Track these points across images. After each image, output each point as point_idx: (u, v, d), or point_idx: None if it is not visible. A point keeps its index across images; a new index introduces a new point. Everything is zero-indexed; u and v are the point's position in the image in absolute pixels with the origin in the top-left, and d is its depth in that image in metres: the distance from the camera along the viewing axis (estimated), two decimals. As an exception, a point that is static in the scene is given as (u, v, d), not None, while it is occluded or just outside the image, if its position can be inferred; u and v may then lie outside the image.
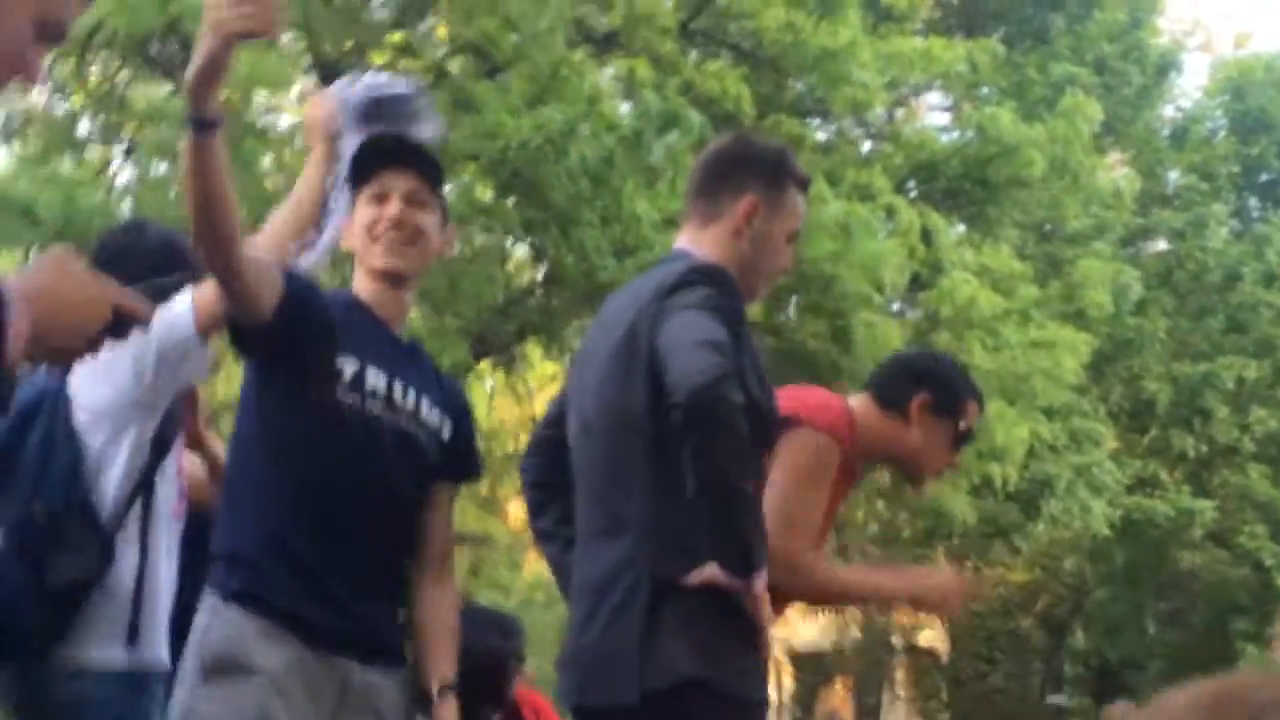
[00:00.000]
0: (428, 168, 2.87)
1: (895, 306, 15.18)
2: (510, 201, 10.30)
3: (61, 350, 1.83)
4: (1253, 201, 21.31)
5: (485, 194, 10.67)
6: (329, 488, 2.68)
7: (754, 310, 13.53)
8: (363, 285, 2.88)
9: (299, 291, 2.67)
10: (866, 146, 15.93)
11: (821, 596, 3.63)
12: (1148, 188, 19.95)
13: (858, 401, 3.34)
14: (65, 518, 3.02)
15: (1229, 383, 19.13)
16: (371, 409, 2.74)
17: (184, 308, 2.94)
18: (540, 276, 11.23)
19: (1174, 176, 20.27)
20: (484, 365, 12.97)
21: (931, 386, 3.34)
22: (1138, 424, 20.31)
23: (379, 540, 2.73)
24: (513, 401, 15.35)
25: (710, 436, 2.42)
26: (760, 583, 2.60)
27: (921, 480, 3.43)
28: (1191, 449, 19.76)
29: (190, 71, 2.39)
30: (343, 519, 2.68)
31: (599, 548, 2.73)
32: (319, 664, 2.61)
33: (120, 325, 1.83)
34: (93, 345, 1.84)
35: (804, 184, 2.95)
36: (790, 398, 3.15)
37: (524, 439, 9.03)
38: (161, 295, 2.88)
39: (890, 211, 13.72)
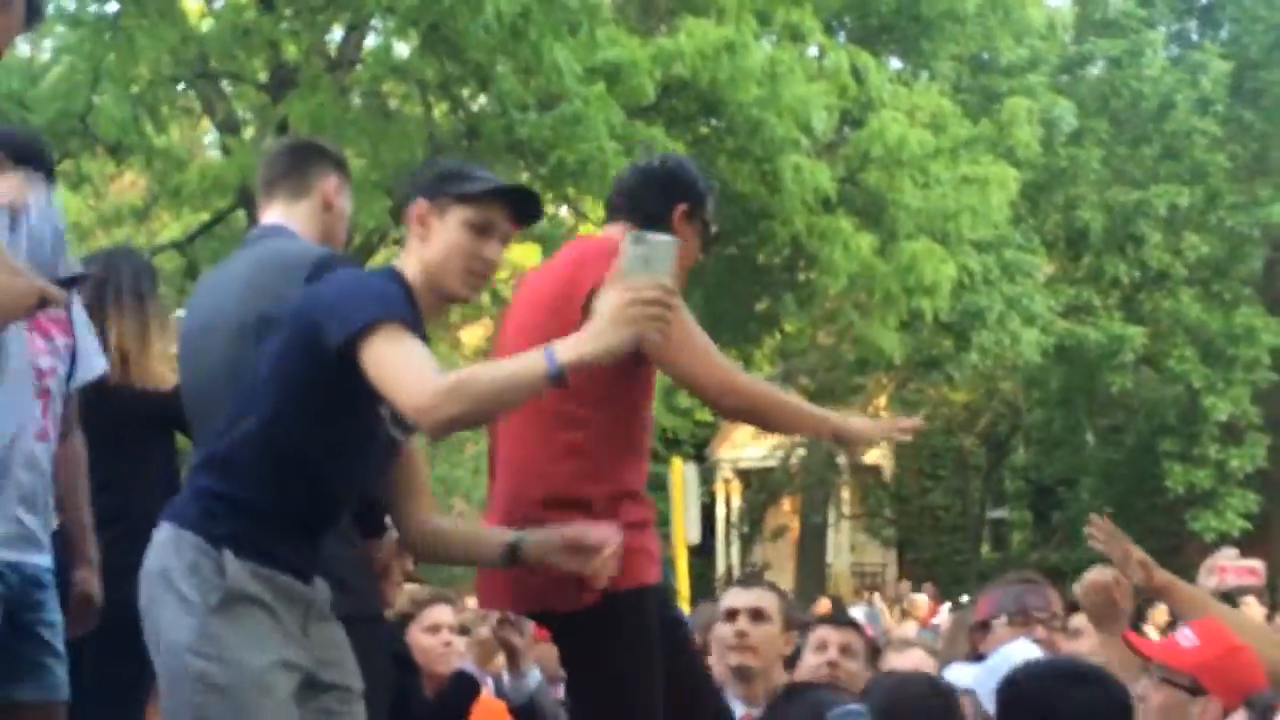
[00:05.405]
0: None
1: (827, 142, 15.21)
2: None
3: None
4: (1191, 24, 21.25)
5: (401, 50, 10.61)
6: (343, 477, 2.85)
7: (685, 150, 13.52)
8: (423, 290, 2.83)
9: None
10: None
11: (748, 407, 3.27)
12: (1088, 14, 19.88)
13: (616, 229, 3.19)
14: None
15: (1162, 209, 19.37)
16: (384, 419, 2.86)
17: None
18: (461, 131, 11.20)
19: (1114, 1, 20.14)
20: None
21: (686, 194, 3.25)
22: (1073, 252, 20.58)
23: (348, 508, 2.99)
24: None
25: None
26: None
27: None
28: (1125, 275, 20.09)
29: (585, 345, 2.50)
30: (338, 496, 2.89)
31: None
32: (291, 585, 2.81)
33: (39, 308, 2.34)
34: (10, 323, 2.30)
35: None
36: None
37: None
38: (71, 284, 3.19)
39: (821, 52, 13.69)
